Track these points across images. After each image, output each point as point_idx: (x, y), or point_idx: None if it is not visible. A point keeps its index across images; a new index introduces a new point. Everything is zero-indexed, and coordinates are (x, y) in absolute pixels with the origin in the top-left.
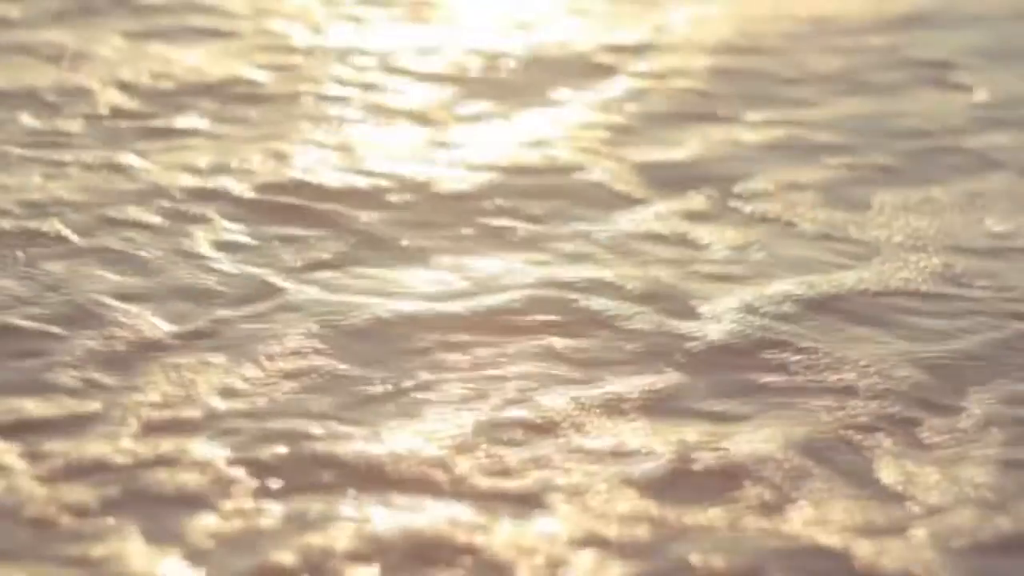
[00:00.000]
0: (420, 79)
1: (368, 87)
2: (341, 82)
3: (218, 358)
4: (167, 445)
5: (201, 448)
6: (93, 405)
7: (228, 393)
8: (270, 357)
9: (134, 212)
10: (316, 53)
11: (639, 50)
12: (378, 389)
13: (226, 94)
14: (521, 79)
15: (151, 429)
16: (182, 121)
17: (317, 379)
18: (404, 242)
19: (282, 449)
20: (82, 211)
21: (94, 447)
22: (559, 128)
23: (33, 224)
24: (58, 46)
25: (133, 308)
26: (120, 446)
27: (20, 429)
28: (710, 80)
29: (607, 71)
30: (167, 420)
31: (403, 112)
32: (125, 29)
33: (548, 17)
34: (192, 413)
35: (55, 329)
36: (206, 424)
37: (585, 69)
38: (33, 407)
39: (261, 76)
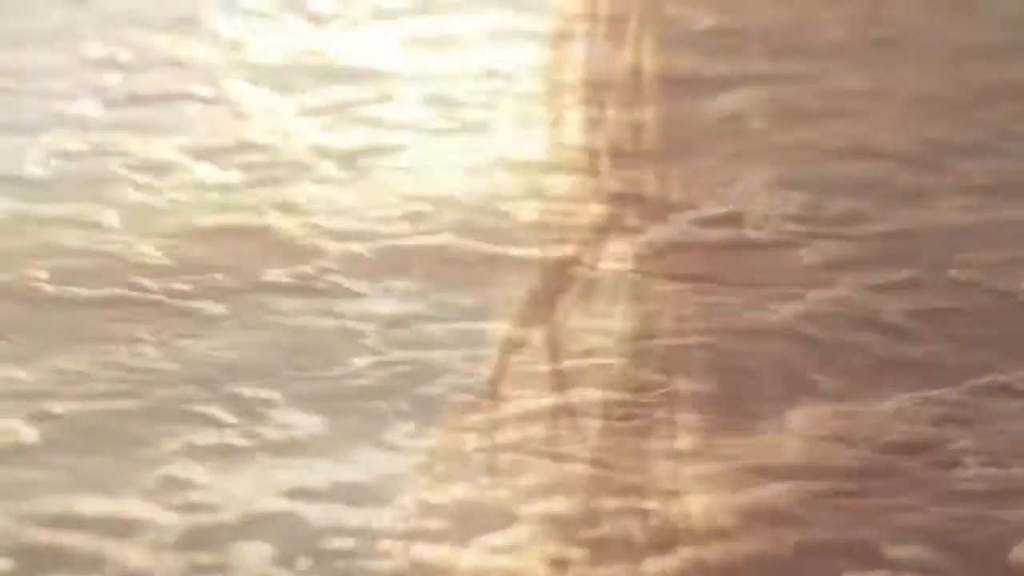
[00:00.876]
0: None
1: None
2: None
3: (324, 463)
4: (220, 555)
5: (261, 558)
6: (150, 510)
7: (308, 495)
8: (376, 458)
9: (274, 275)
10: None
11: (828, 118)
12: (486, 477)
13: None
14: (706, 151)
15: (204, 535)
16: (323, 169)
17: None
18: (566, 331)
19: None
20: (226, 280)
21: (141, 553)
22: (750, 203)
23: (174, 300)
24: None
25: (261, 392)
26: (167, 556)
27: (72, 525)
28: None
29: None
30: (225, 525)
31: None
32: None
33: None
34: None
35: (177, 410)
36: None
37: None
38: (98, 506)
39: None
